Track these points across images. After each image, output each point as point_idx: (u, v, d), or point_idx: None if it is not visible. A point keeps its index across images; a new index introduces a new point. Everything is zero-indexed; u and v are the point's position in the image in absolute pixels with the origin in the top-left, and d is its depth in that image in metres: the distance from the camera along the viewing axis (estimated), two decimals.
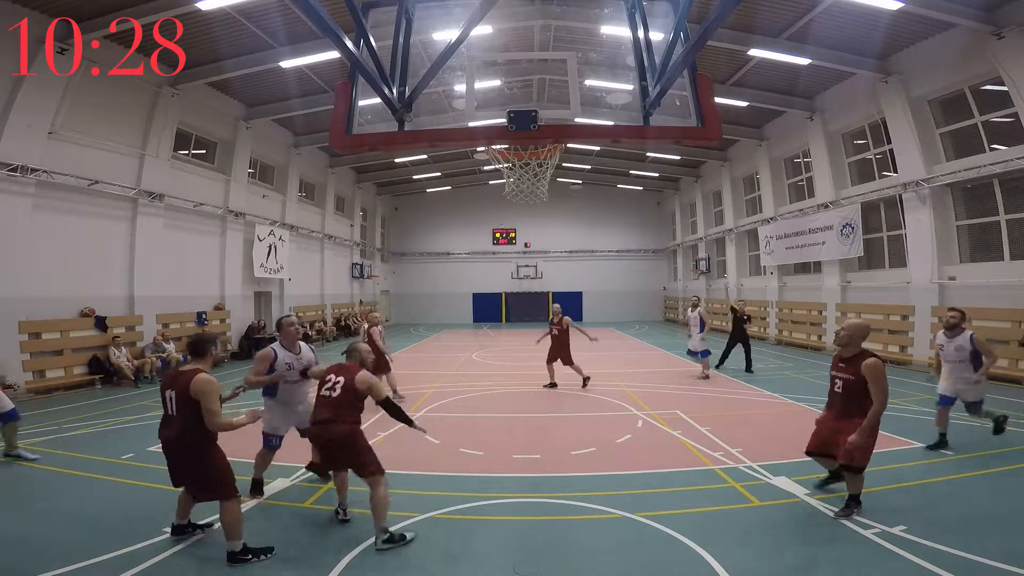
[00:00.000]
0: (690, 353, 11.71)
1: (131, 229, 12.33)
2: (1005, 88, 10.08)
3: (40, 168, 9.90)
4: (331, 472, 4.45)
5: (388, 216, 30.24)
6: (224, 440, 3.77)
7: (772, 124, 18.12)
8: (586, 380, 9.95)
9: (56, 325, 10.43)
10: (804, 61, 12.33)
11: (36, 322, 10.01)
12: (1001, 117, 10.67)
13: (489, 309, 29.71)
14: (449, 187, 28.70)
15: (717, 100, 3.38)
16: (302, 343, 4.90)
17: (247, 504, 4.54)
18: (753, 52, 12.28)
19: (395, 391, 9.21)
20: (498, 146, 10.49)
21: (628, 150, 22.94)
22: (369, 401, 4.09)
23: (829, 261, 15.68)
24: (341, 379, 4.03)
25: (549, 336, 10.26)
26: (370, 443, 4.04)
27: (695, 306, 11.49)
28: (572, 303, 27.33)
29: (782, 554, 3.77)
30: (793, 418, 7.51)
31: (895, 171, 13.16)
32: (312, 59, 12.28)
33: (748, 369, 11.57)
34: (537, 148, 10.35)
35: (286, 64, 12.40)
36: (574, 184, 28.18)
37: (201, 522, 4.09)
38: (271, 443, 4.75)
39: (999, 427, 6.15)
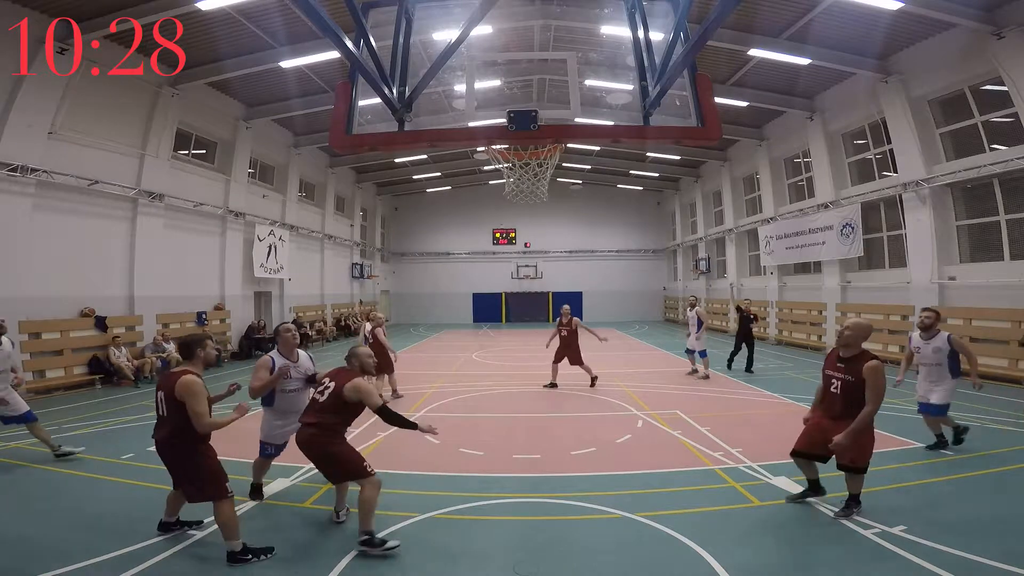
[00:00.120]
0: (689, 352, 11.73)
1: (131, 229, 12.32)
2: (1005, 88, 10.08)
3: (40, 168, 9.90)
4: None
5: (388, 216, 30.23)
6: (218, 441, 3.76)
7: (772, 124, 18.11)
8: (594, 379, 9.98)
9: (56, 325, 10.44)
10: (804, 61, 12.33)
11: (36, 322, 10.01)
12: (1001, 117, 10.67)
13: (489, 309, 29.69)
14: (449, 187, 28.68)
15: (717, 100, 3.37)
16: (300, 351, 4.86)
17: (246, 504, 4.54)
18: (753, 52, 12.27)
19: (395, 391, 9.24)
20: (498, 146, 10.49)
21: (628, 150, 22.92)
22: None
23: (829, 261, 15.67)
24: (332, 384, 3.98)
25: (558, 337, 10.26)
26: (370, 444, 4.02)
27: (693, 306, 11.51)
28: (572, 303, 26.55)
29: (782, 554, 3.78)
30: (793, 418, 7.39)
31: (895, 171, 13.15)
32: (312, 59, 12.27)
33: (748, 369, 11.58)
34: (537, 148, 10.34)
35: (286, 64, 12.39)
36: (574, 184, 28.16)
37: (192, 519, 4.09)
38: (267, 452, 4.69)
39: (958, 438, 6.00)
